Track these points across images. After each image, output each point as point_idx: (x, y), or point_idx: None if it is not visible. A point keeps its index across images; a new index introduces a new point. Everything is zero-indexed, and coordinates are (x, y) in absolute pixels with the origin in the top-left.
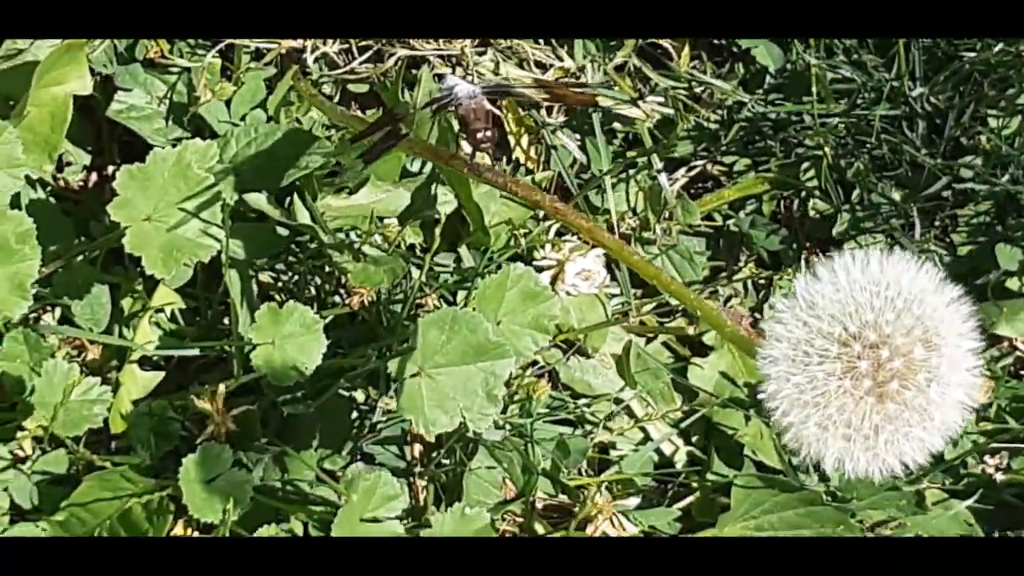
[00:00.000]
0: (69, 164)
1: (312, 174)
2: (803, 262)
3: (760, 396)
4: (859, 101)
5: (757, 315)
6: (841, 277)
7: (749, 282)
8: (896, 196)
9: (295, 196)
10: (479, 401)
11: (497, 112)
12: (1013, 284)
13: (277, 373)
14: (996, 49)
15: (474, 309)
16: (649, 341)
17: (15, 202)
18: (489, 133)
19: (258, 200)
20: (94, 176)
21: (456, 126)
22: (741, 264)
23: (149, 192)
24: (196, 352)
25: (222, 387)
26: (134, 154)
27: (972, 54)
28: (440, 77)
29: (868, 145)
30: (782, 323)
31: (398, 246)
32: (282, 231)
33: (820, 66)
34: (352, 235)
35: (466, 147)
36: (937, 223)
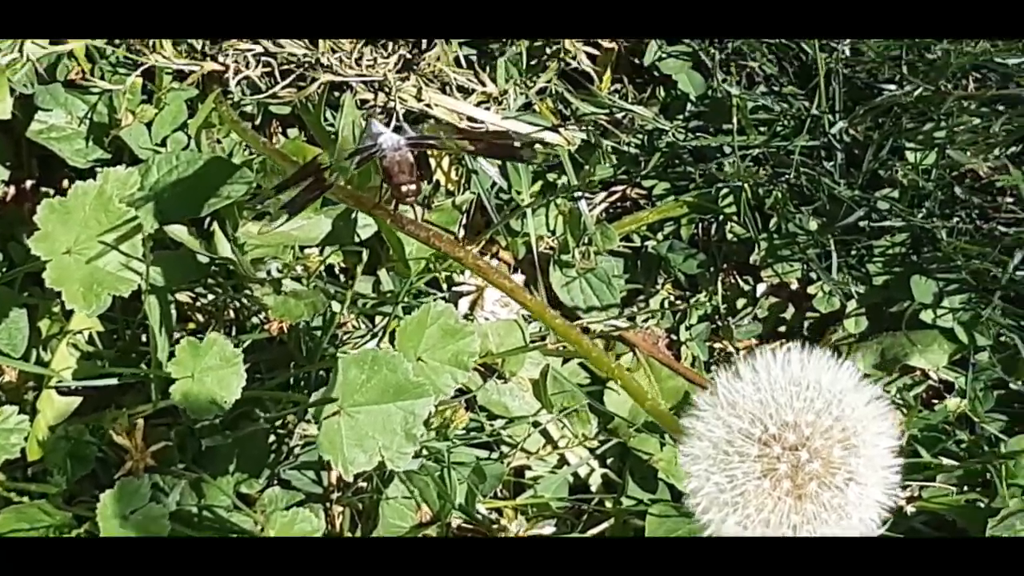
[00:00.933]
0: None
1: (234, 203)
2: (719, 284)
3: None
4: (779, 129)
5: (673, 336)
6: (762, 376)
7: (665, 303)
8: (813, 225)
9: (216, 226)
10: (398, 440)
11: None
12: (927, 316)
13: (196, 407)
14: (916, 92)
15: (394, 345)
16: (566, 361)
17: None
18: (413, 187)
19: (179, 232)
20: (12, 190)
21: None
22: (658, 287)
23: (70, 225)
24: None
25: (141, 421)
26: (53, 169)
27: (892, 87)
28: (365, 122)
29: (786, 175)
30: (703, 421)
31: (319, 276)
32: (203, 258)
33: (741, 96)
34: (273, 266)
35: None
36: (853, 252)
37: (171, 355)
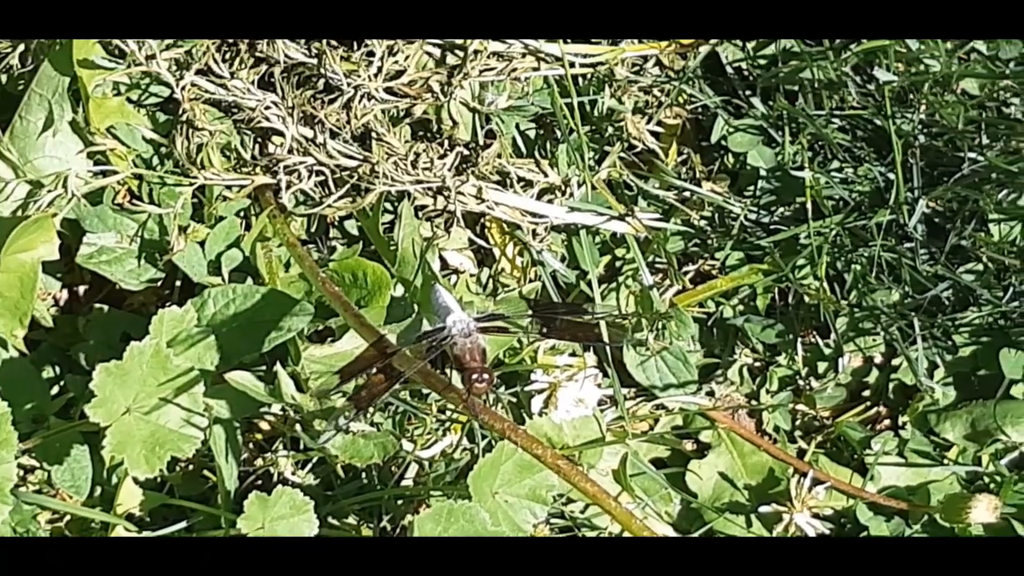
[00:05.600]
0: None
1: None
2: (799, 347)
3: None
4: (855, 199)
5: (753, 402)
6: None
7: (744, 369)
8: (895, 297)
9: (279, 367)
10: None
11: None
12: (1018, 391)
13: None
14: (996, 149)
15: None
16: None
17: None
18: (487, 376)
19: (241, 379)
20: (65, 294)
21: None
22: (736, 355)
23: (128, 385)
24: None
25: None
26: None
27: (972, 154)
28: (432, 291)
29: (865, 249)
30: None
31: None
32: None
33: (814, 175)
34: (340, 414)
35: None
36: (938, 323)
37: (238, 479)
